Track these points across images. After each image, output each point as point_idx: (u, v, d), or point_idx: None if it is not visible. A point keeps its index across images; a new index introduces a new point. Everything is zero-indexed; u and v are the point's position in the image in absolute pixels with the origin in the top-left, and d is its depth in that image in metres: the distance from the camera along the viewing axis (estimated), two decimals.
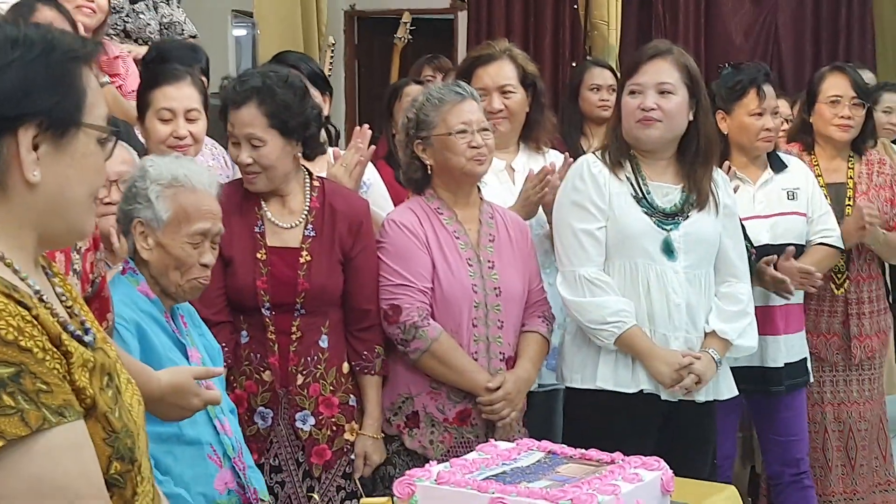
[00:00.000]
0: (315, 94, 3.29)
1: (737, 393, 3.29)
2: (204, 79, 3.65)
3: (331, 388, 3.01)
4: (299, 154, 3.03)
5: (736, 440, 4.01)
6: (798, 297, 3.80)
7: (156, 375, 2.09)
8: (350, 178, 3.30)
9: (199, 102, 3.33)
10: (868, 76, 5.51)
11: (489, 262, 3.14)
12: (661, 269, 3.12)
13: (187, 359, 2.56)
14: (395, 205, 3.51)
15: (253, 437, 2.95)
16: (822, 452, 4.03)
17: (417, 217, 3.13)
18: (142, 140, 3.37)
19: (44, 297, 1.47)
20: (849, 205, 4.02)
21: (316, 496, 2.98)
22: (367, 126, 3.44)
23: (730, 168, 3.71)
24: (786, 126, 4.46)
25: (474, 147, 3.08)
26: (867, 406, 4.09)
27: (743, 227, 3.45)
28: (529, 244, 3.25)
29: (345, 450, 3.03)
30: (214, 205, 2.61)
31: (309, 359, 2.99)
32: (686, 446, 3.13)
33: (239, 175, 3.14)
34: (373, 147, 3.44)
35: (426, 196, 3.18)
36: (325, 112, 3.41)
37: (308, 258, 2.99)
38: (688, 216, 3.16)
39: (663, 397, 3.12)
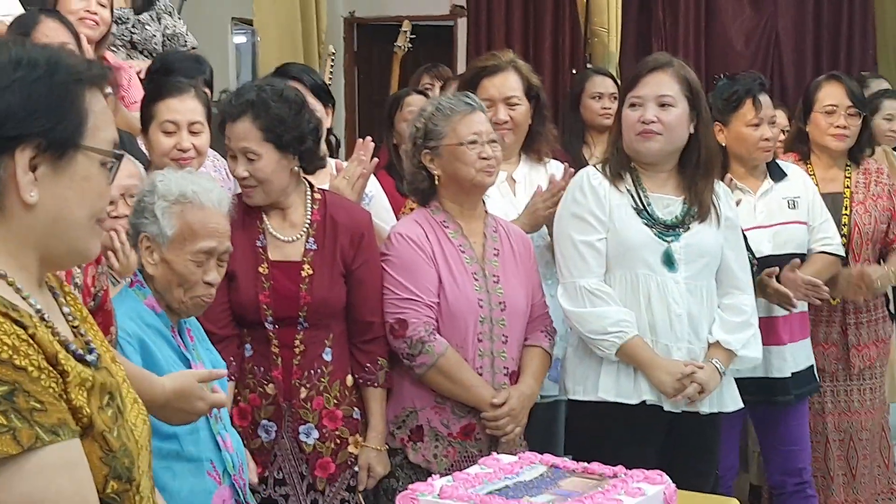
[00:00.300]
0: (318, 106, 3.30)
1: (741, 405, 3.29)
2: (208, 91, 3.65)
3: (335, 401, 3.02)
4: (298, 167, 3.03)
5: (738, 451, 4.01)
6: (802, 306, 3.80)
7: (160, 381, 2.09)
8: (352, 191, 3.30)
9: (203, 115, 3.34)
10: (882, 84, 5.52)
11: (494, 276, 3.14)
12: (662, 279, 3.13)
13: None
14: (396, 215, 3.52)
15: (257, 451, 2.96)
16: (824, 462, 4.04)
17: (423, 230, 3.13)
18: (144, 151, 3.38)
19: (45, 317, 1.47)
20: (845, 214, 4.03)
21: None
22: (369, 138, 3.44)
23: (731, 180, 3.71)
24: (783, 136, 4.46)
25: (484, 158, 3.09)
26: (868, 415, 4.09)
27: (745, 237, 3.45)
28: (532, 258, 3.26)
29: (349, 463, 3.04)
30: (222, 223, 2.59)
31: (312, 372, 2.99)
32: (689, 458, 3.14)
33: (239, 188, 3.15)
34: (375, 160, 3.44)
35: (431, 208, 3.19)
36: (328, 124, 3.42)
37: (310, 272, 2.99)
38: (689, 228, 3.17)
39: (666, 408, 3.12)
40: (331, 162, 3.43)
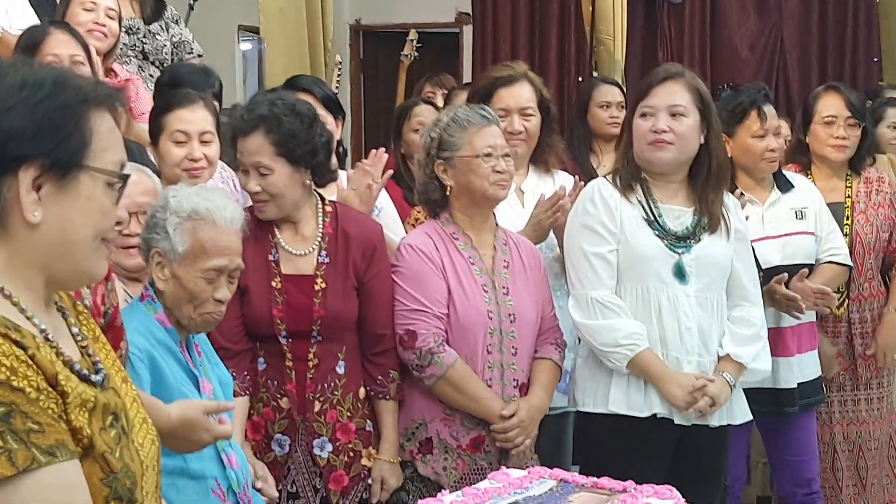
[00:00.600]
0: (328, 118, 3.30)
1: (751, 418, 3.29)
2: (217, 103, 3.65)
3: (348, 413, 3.02)
4: (310, 181, 3.03)
5: (746, 462, 4.00)
6: (810, 316, 3.80)
7: (166, 409, 2.09)
8: (361, 202, 3.30)
9: (213, 125, 3.34)
10: None
11: (504, 288, 3.14)
12: (673, 292, 3.12)
13: (199, 390, 2.56)
14: (403, 224, 3.52)
15: (270, 465, 2.96)
16: (833, 472, 4.04)
17: (433, 242, 3.13)
18: (154, 163, 3.38)
19: (49, 337, 1.48)
20: (847, 224, 4.02)
21: None
22: (382, 150, 3.44)
23: (742, 194, 3.71)
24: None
25: (498, 172, 3.09)
26: (876, 425, 4.09)
27: (752, 249, 3.45)
28: (542, 270, 3.26)
29: (362, 476, 3.04)
30: (234, 241, 2.58)
31: (326, 385, 2.99)
32: (699, 470, 3.14)
33: (248, 199, 3.15)
34: (389, 172, 3.44)
35: (442, 220, 3.19)
36: (338, 136, 3.41)
37: (323, 285, 2.99)
38: (699, 239, 3.17)
39: (677, 421, 3.11)
40: (341, 174, 3.42)
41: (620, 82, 5.89)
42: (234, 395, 2.79)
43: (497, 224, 3.24)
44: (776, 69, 7.48)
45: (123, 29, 4.20)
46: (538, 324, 3.19)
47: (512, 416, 3.07)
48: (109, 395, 1.53)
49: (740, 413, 3.24)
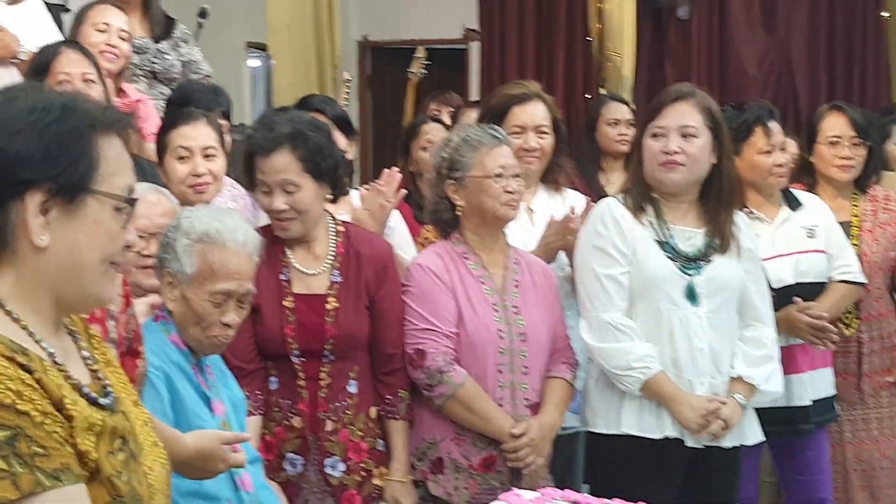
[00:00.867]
0: (340, 137, 3.30)
1: (763, 439, 3.27)
2: (224, 122, 3.65)
3: (359, 433, 3.02)
4: (329, 196, 3.03)
5: (758, 483, 3.98)
6: None
7: (182, 440, 2.09)
8: (375, 222, 3.30)
9: (216, 141, 3.34)
10: None
11: (514, 307, 3.14)
12: (685, 313, 3.11)
13: (211, 411, 2.56)
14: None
15: (283, 484, 2.94)
16: (845, 493, 4.01)
17: (443, 261, 3.13)
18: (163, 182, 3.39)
19: (57, 360, 1.48)
20: (854, 243, 4.00)
21: None
22: (396, 169, 3.44)
23: (751, 213, 3.69)
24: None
25: (509, 192, 3.09)
26: (888, 444, 4.07)
27: (764, 268, 3.44)
28: (554, 290, 3.25)
29: (373, 496, 3.03)
30: (244, 265, 2.57)
31: (338, 404, 2.99)
32: (710, 491, 3.13)
33: (262, 218, 3.14)
34: (403, 192, 3.44)
35: (452, 240, 3.18)
36: (351, 155, 3.42)
37: (335, 304, 2.99)
38: (710, 260, 3.16)
39: (689, 443, 3.10)
40: (354, 193, 3.42)
41: (629, 99, 5.90)
42: (248, 415, 2.79)
43: (508, 243, 3.24)
44: (784, 86, 7.49)
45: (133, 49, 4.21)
46: (550, 343, 3.18)
47: (522, 434, 3.06)
48: (118, 418, 1.53)
49: (752, 434, 3.22)
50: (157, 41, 4.50)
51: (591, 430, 3.23)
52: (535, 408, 3.14)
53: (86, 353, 1.59)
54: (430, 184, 3.24)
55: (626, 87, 6.66)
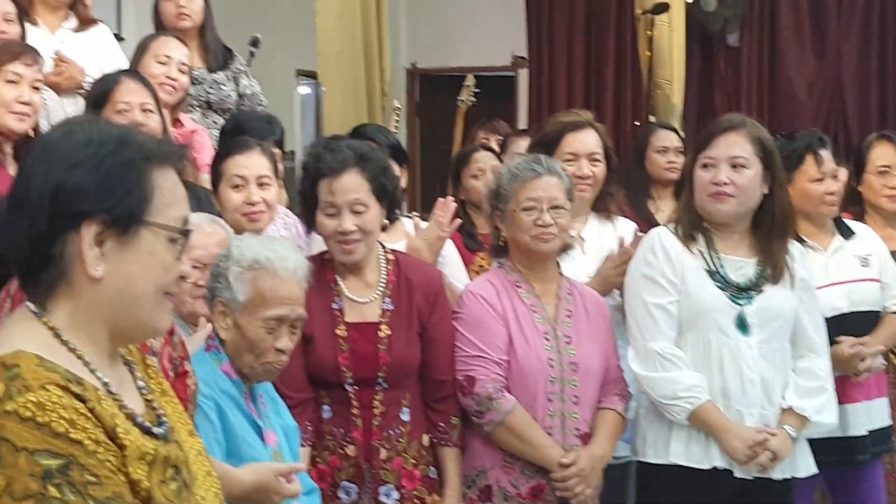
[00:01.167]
0: (393, 165, 3.33)
1: (816, 471, 3.24)
2: (277, 150, 3.70)
3: (413, 460, 3.03)
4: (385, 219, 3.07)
5: None
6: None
7: (239, 475, 2.11)
8: (430, 252, 3.32)
9: (270, 170, 3.39)
10: None
11: (566, 336, 3.14)
12: (735, 343, 3.10)
13: (263, 440, 2.57)
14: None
15: None
16: None
17: (496, 289, 3.15)
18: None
19: (112, 390, 1.50)
20: None
21: None
22: (451, 198, 3.46)
23: (803, 241, 3.67)
24: None
25: (540, 225, 3.10)
26: None
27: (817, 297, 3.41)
28: (607, 321, 3.25)
29: None
30: (296, 291, 2.59)
31: (391, 432, 3.00)
32: None
33: (315, 246, 3.17)
34: (457, 221, 3.46)
35: (506, 269, 3.20)
36: (403, 183, 3.44)
37: (388, 332, 3.01)
38: (762, 290, 3.14)
39: (737, 474, 3.08)
40: (407, 221, 3.44)
41: (678, 127, 5.90)
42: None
43: (561, 273, 3.24)
44: (835, 112, 7.43)
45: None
46: (602, 374, 3.18)
47: (571, 464, 3.05)
48: (172, 447, 1.55)
49: (804, 466, 3.19)
50: (212, 72, 4.55)
51: (641, 459, 3.22)
52: (586, 438, 3.13)
53: (141, 384, 1.61)
54: (485, 213, 3.28)
55: (675, 115, 6.65)
